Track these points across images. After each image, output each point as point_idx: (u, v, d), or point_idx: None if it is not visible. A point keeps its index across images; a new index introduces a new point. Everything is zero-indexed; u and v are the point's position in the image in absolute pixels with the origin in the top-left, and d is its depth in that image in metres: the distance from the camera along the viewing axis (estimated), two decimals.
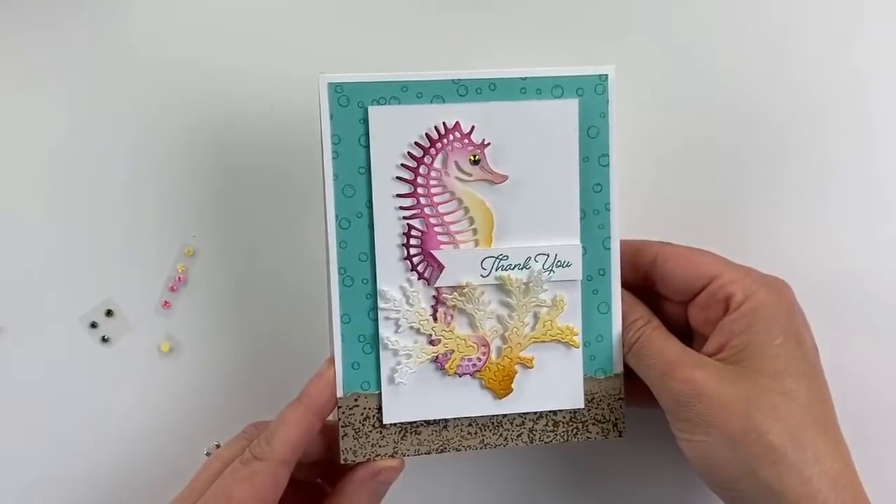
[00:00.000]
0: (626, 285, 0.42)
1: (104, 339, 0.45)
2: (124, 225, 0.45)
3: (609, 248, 0.40)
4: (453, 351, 0.40)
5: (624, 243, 0.42)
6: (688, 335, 0.42)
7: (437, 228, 0.39)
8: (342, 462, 0.40)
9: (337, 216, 0.39)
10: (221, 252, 0.45)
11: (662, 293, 0.42)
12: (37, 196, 0.44)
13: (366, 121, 0.38)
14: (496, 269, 0.39)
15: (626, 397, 0.42)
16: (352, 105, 0.38)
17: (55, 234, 0.44)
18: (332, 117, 0.38)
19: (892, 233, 0.47)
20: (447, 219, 0.39)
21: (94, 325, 0.45)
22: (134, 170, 0.44)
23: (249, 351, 0.45)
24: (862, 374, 0.47)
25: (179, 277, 0.45)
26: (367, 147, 0.38)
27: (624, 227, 0.41)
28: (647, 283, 0.42)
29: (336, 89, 0.38)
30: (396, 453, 0.40)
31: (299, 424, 0.38)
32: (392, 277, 0.39)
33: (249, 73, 0.44)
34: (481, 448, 0.41)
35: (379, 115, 0.38)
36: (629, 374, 0.41)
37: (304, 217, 0.44)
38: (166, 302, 0.45)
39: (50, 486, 0.45)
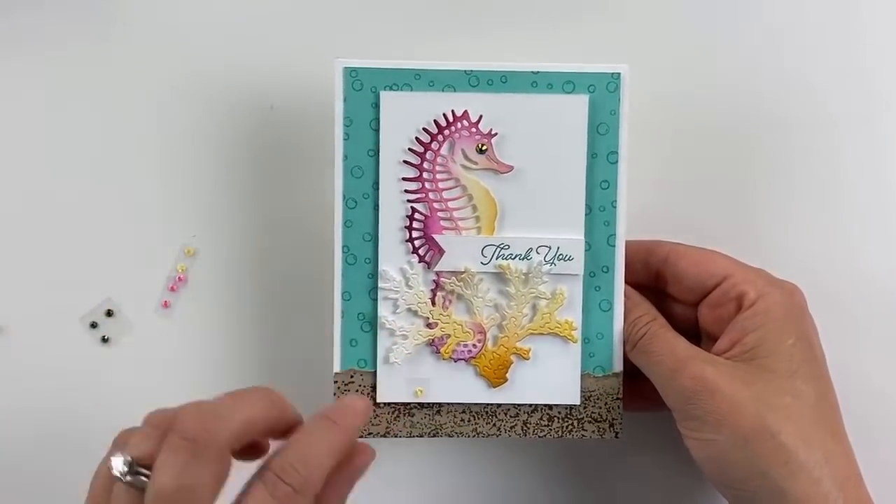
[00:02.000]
0: (636, 285, 0.42)
1: (104, 339, 0.45)
2: (124, 225, 0.45)
3: (614, 246, 0.40)
4: (449, 336, 0.40)
5: (636, 242, 0.42)
6: (695, 339, 0.41)
7: (440, 213, 0.40)
8: None
9: (344, 196, 0.40)
10: (222, 252, 0.45)
11: (673, 293, 0.42)
12: (37, 196, 0.45)
13: (377, 105, 0.39)
14: (496, 258, 0.40)
15: (625, 402, 0.41)
16: (365, 89, 0.39)
17: (55, 233, 0.45)
18: (345, 100, 0.39)
19: None
20: (451, 205, 0.40)
21: (94, 325, 0.45)
22: (134, 169, 0.45)
23: (250, 351, 0.45)
24: (872, 376, 0.45)
25: (179, 277, 0.45)
26: (377, 131, 0.40)
27: (633, 226, 0.41)
28: (658, 282, 0.42)
29: (351, 73, 0.39)
30: (388, 434, 0.41)
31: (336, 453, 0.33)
32: (393, 258, 0.40)
33: (250, 73, 0.45)
34: (474, 436, 0.41)
35: (390, 101, 0.39)
36: (627, 377, 0.41)
37: (304, 217, 0.45)
38: (166, 302, 0.45)
39: (50, 486, 0.45)
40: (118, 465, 0.32)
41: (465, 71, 0.39)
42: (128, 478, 0.32)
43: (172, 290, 0.45)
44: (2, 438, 0.45)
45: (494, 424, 0.41)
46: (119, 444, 0.33)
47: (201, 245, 0.45)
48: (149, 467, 0.32)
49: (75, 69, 0.45)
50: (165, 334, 0.46)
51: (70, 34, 0.45)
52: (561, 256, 0.40)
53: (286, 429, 0.34)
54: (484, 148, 0.40)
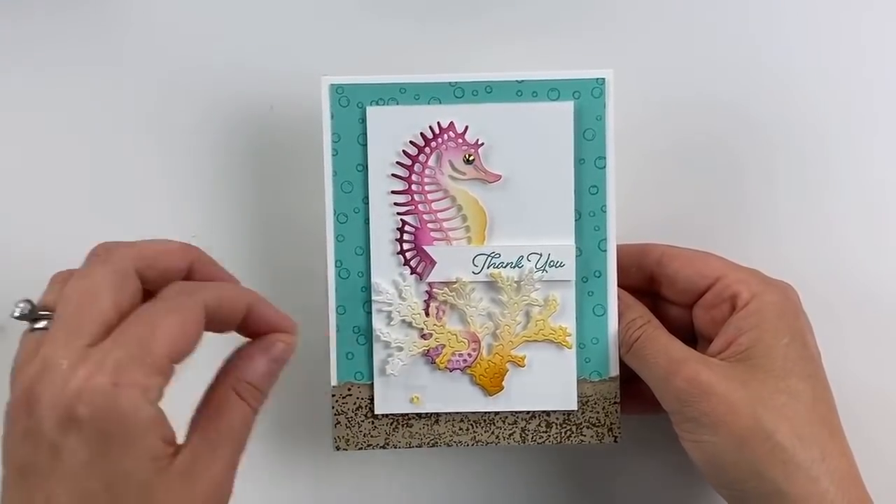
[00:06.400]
0: (630, 289, 0.42)
1: None
2: (124, 225, 0.44)
3: (605, 251, 0.40)
4: (444, 345, 0.41)
5: (628, 246, 0.42)
6: (690, 341, 0.41)
7: (430, 225, 0.40)
8: (335, 450, 0.41)
9: (335, 211, 0.40)
10: (221, 250, 0.45)
11: (666, 295, 0.42)
12: (36, 196, 0.45)
13: (364, 120, 0.40)
14: (488, 267, 0.40)
15: (622, 405, 0.41)
16: (351, 105, 0.40)
17: (55, 233, 0.45)
18: (332, 117, 0.40)
19: (894, 234, 0.46)
20: (440, 216, 0.40)
21: None
22: (134, 169, 0.46)
23: None
24: (865, 377, 0.45)
25: None
26: (365, 146, 0.40)
27: (624, 230, 0.41)
28: (651, 285, 0.42)
29: (337, 90, 0.40)
30: (388, 445, 0.41)
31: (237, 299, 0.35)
32: (386, 271, 0.40)
33: (249, 74, 0.45)
34: (473, 445, 0.41)
35: (377, 115, 0.40)
36: (624, 381, 0.41)
37: (305, 218, 0.45)
38: None
39: None
40: (16, 310, 0.33)
41: (449, 83, 0.40)
42: (35, 324, 0.33)
43: None
44: (1, 438, 0.46)
45: (493, 432, 0.41)
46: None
47: (201, 244, 0.45)
48: (52, 311, 0.33)
49: (75, 69, 0.46)
50: None
51: (70, 35, 0.46)
52: (552, 263, 0.40)
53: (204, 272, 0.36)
54: (471, 158, 0.40)
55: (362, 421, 0.41)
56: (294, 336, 0.36)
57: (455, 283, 0.40)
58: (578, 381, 0.41)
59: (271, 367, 0.35)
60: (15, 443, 0.31)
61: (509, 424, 0.41)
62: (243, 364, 0.35)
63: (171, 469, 0.31)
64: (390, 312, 0.40)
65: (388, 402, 0.41)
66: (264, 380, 0.35)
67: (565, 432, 0.41)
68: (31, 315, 0.33)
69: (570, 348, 0.41)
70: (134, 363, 0.31)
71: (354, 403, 0.41)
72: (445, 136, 0.40)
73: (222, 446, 0.33)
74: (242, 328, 0.35)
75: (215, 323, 0.34)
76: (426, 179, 0.40)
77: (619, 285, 0.41)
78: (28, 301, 0.33)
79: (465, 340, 0.41)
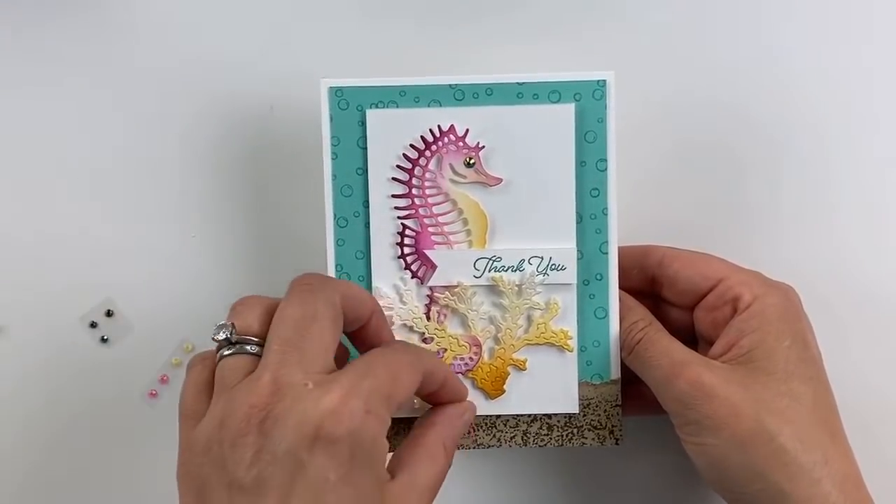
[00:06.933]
0: (631, 290, 0.42)
1: (104, 339, 0.45)
2: (124, 225, 0.45)
3: (606, 253, 0.40)
4: (446, 350, 0.41)
5: (630, 247, 0.42)
6: (691, 343, 0.41)
7: (431, 229, 0.40)
8: None
9: (335, 215, 0.40)
10: (221, 251, 0.46)
11: (668, 297, 0.42)
12: (37, 196, 0.45)
13: (364, 123, 0.40)
14: (489, 270, 0.40)
15: (624, 407, 0.41)
16: (351, 108, 0.40)
17: (56, 233, 0.45)
18: (331, 120, 0.40)
19: (894, 234, 0.46)
20: (441, 219, 0.40)
21: (93, 325, 0.45)
22: (133, 170, 0.45)
23: None
24: (867, 378, 0.45)
25: None
26: (365, 149, 0.40)
27: (625, 232, 0.41)
28: (653, 286, 0.42)
29: (336, 93, 0.39)
30: (390, 450, 0.41)
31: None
32: (386, 275, 0.40)
33: (249, 75, 0.45)
34: (474, 447, 0.41)
35: (376, 119, 0.39)
36: (626, 382, 0.41)
37: (304, 221, 0.45)
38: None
39: (49, 485, 0.46)
40: (220, 332, 0.34)
41: (449, 85, 0.40)
42: (232, 348, 0.34)
43: None
44: (1, 438, 0.46)
45: (494, 435, 0.41)
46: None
47: (200, 245, 0.46)
48: (254, 336, 0.34)
49: (74, 71, 0.45)
50: (165, 335, 0.46)
51: (70, 36, 0.45)
52: (553, 266, 0.40)
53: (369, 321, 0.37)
54: (472, 161, 0.40)
55: None
56: (473, 405, 0.40)
57: (456, 286, 0.40)
58: (580, 384, 0.41)
59: (463, 432, 0.39)
60: (238, 462, 0.31)
61: (511, 427, 0.41)
62: (450, 423, 0.38)
63: (388, 497, 0.33)
64: (391, 317, 0.40)
65: None
66: (458, 440, 0.39)
67: (567, 435, 0.41)
68: (232, 339, 0.34)
69: (571, 351, 0.41)
70: (382, 398, 0.33)
71: None
72: (446, 140, 0.40)
73: (427, 491, 0.35)
74: (431, 395, 0.38)
75: (421, 386, 0.36)
76: (427, 183, 0.40)
77: (620, 287, 0.41)
78: (232, 324, 0.34)
79: (467, 344, 0.41)
